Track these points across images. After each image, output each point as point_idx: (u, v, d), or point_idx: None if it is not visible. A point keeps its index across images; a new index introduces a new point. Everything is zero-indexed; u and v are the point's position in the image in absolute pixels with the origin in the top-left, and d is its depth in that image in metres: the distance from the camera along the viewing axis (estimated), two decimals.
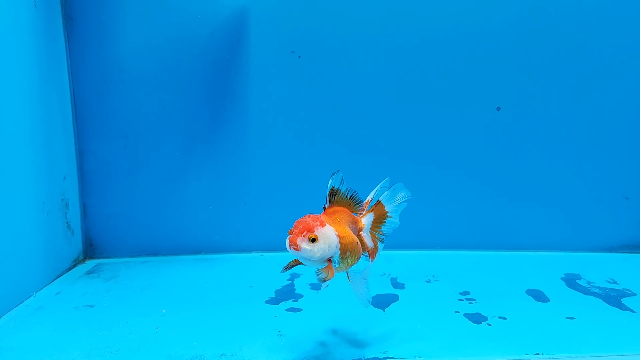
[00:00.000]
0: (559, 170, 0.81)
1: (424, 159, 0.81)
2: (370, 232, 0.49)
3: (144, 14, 0.77)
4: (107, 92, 0.78)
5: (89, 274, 0.75)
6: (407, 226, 0.55)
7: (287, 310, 0.61)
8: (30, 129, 0.68)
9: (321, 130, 0.80)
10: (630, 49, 0.78)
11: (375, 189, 0.50)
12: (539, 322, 0.57)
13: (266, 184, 0.81)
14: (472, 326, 0.56)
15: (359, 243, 0.47)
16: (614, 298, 0.64)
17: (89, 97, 0.78)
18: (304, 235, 0.42)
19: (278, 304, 0.63)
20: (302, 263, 0.45)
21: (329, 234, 0.43)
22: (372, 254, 0.49)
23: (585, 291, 0.66)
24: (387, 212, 0.49)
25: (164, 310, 0.61)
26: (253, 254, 0.82)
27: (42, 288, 0.69)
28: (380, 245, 0.50)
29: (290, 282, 0.70)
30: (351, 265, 0.46)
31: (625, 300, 0.63)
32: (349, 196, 0.46)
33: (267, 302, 0.63)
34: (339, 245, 0.44)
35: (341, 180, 0.46)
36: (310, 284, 0.69)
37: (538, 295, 0.65)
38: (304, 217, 0.44)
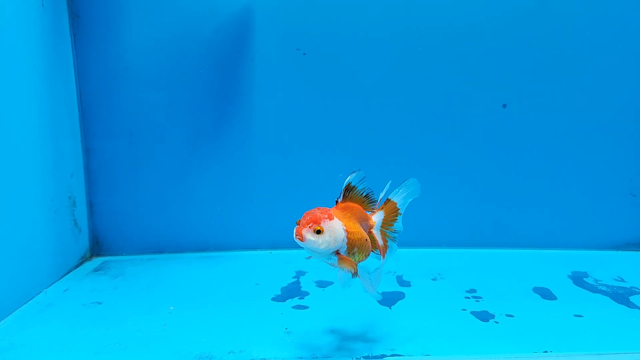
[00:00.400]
0: (565, 168, 0.81)
1: (430, 156, 0.80)
2: (381, 230, 0.49)
3: (149, 12, 0.77)
4: (112, 90, 0.78)
5: (96, 271, 0.75)
6: (412, 224, 0.55)
7: (293, 307, 0.61)
8: (38, 127, 0.68)
9: (327, 127, 0.80)
10: (637, 47, 0.78)
11: (385, 188, 0.50)
12: (547, 320, 0.57)
13: (272, 181, 0.81)
14: (479, 324, 0.56)
15: (369, 240, 0.47)
16: (622, 296, 0.64)
17: (95, 95, 0.79)
18: (309, 227, 0.43)
19: (284, 301, 0.63)
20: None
21: (335, 227, 0.43)
22: (383, 251, 0.49)
23: (593, 289, 0.66)
24: (399, 209, 0.50)
25: (172, 307, 0.61)
26: (259, 252, 0.82)
27: (51, 285, 0.69)
28: (394, 244, 0.50)
29: (295, 279, 0.70)
30: (359, 261, 0.46)
31: (633, 298, 0.63)
32: (364, 194, 0.47)
33: (273, 299, 0.63)
34: (345, 240, 0.44)
35: (361, 179, 0.46)
36: (316, 282, 0.69)
37: (545, 293, 0.65)
38: (313, 209, 0.44)
